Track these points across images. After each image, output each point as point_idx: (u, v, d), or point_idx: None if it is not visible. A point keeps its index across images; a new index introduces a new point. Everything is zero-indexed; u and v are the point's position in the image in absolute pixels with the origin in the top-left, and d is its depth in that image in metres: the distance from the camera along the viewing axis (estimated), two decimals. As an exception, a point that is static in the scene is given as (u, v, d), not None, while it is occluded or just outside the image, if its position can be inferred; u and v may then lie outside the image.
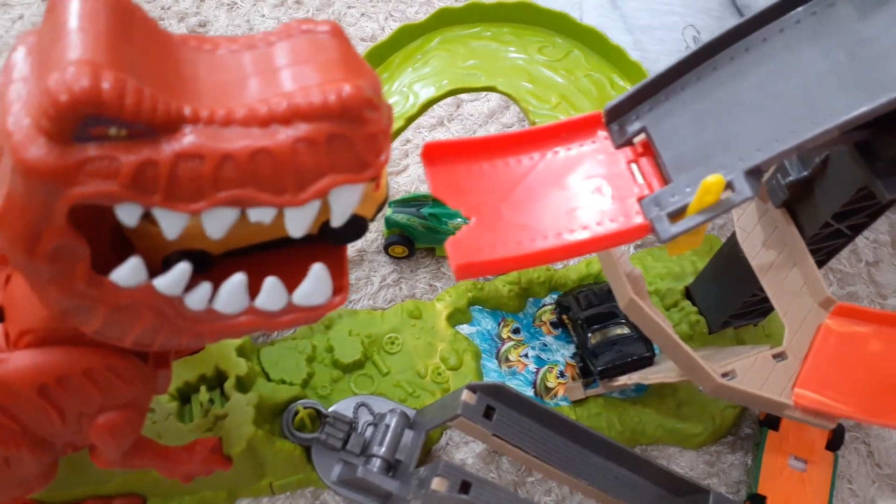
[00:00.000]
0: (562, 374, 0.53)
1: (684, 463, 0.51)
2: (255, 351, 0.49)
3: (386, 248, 0.57)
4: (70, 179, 0.23)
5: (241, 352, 0.46)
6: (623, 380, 0.47)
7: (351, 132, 0.25)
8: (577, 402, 0.51)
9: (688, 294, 0.54)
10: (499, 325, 0.55)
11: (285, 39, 0.26)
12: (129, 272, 0.26)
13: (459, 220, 0.55)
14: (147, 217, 0.25)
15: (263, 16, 0.72)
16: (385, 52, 0.47)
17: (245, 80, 0.25)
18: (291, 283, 0.30)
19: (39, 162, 0.22)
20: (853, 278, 0.61)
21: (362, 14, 0.73)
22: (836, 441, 0.49)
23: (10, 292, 0.32)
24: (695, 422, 0.51)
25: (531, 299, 0.56)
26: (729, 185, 0.28)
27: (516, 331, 0.55)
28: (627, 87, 0.45)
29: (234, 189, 0.24)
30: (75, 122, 0.22)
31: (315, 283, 0.30)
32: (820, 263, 0.45)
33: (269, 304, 0.30)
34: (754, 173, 0.28)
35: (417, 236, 0.56)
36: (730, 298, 0.48)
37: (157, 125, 0.23)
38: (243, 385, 0.45)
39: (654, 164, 0.32)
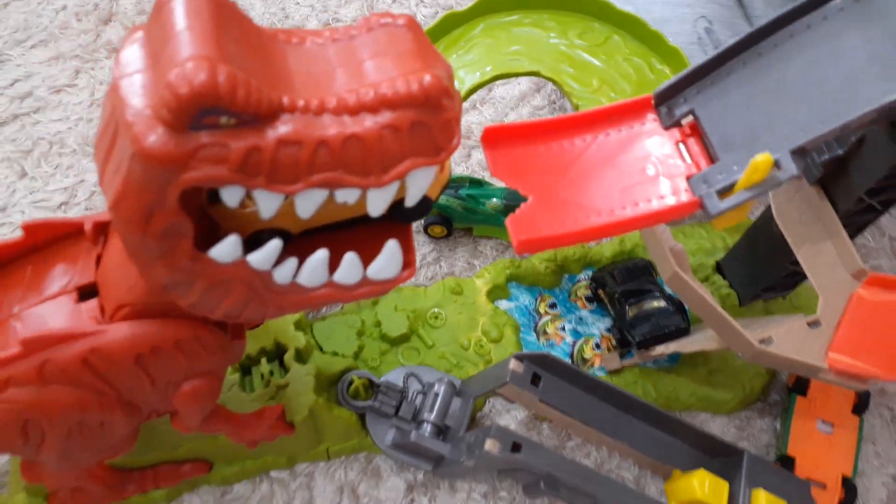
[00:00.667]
0: (597, 346, 0.55)
1: (715, 428, 0.54)
2: (308, 326, 0.52)
3: (426, 228, 0.60)
4: (184, 165, 0.25)
5: (297, 326, 0.49)
6: (660, 349, 0.49)
7: (430, 119, 0.27)
8: (613, 372, 0.54)
9: (718, 269, 0.57)
10: (536, 300, 0.58)
11: (366, 33, 0.29)
12: (228, 248, 0.29)
13: (496, 199, 0.57)
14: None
15: (298, 3, 0.74)
16: (430, 39, 0.49)
17: (333, 72, 0.28)
18: (366, 259, 0.32)
19: (158, 149, 0.25)
20: (877, 252, 0.63)
21: (395, 0, 0.74)
22: (861, 405, 0.52)
23: (104, 270, 0.34)
24: (726, 389, 0.53)
25: (566, 275, 0.59)
26: (776, 164, 0.30)
27: (553, 305, 0.57)
28: (666, 71, 0.47)
29: (326, 172, 0.27)
30: (193, 112, 0.24)
31: (389, 258, 0.32)
32: (850, 237, 0.47)
33: (347, 278, 0.32)
34: (799, 153, 0.30)
35: (456, 216, 0.59)
36: (764, 272, 0.50)
37: (261, 114, 0.25)
38: (301, 357, 0.48)
39: (702, 144, 0.34)
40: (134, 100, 0.25)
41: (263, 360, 0.48)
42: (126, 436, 0.39)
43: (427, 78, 0.27)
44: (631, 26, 0.48)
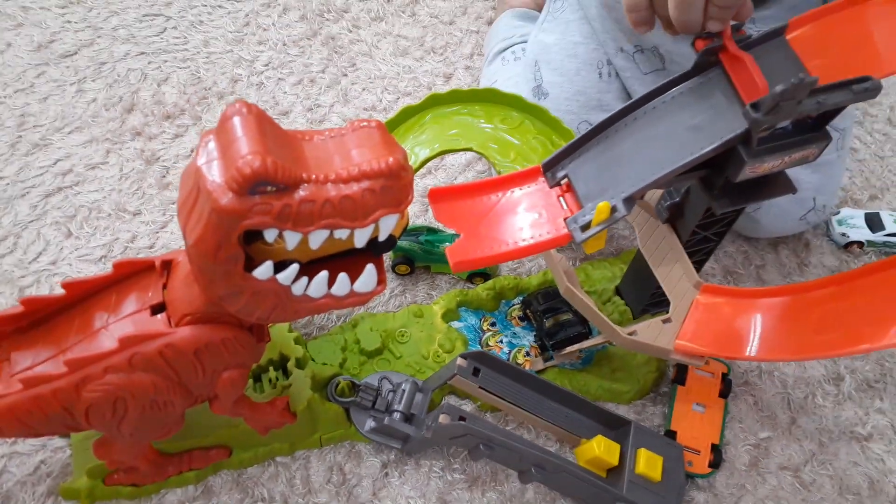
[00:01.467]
0: (527, 354, 0.71)
1: (619, 414, 0.70)
2: (304, 342, 0.67)
3: (393, 267, 0.76)
4: (243, 215, 0.41)
5: (296, 341, 0.64)
6: (571, 349, 0.65)
7: (394, 184, 0.44)
8: (539, 372, 0.70)
9: (617, 291, 0.74)
10: (480, 320, 0.74)
11: (352, 132, 0.45)
12: (265, 270, 0.44)
13: (447, 243, 0.74)
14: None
15: (285, 93, 0.91)
16: (392, 125, 0.67)
17: (332, 157, 0.44)
18: (352, 278, 0.48)
19: (229, 206, 0.40)
20: (745, 278, 0.81)
21: (363, 89, 0.92)
22: (725, 390, 0.68)
23: (170, 292, 0.50)
24: (625, 383, 0.70)
25: (504, 301, 0.75)
26: (613, 208, 0.47)
27: (493, 324, 0.73)
28: (561, 146, 0.65)
29: (329, 219, 0.43)
30: (251, 184, 0.40)
31: (368, 276, 0.48)
32: (700, 262, 0.64)
33: (340, 290, 0.48)
34: (629, 200, 0.48)
35: (417, 258, 0.75)
36: (643, 291, 0.67)
37: (291, 184, 0.41)
38: (300, 364, 0.63)
39: (573, 196, 0.51)
40: (212, 176, 0.41)
41: (271, 368, 0.63)
42: (178, 417, 0.53)
43: (391, 159, 0.43)
44: (538, 113, 0.66)
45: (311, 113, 0.90)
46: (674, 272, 0.59)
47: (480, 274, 0.76)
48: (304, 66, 0.95)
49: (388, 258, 0.76)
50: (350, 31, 1.00)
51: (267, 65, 0.95)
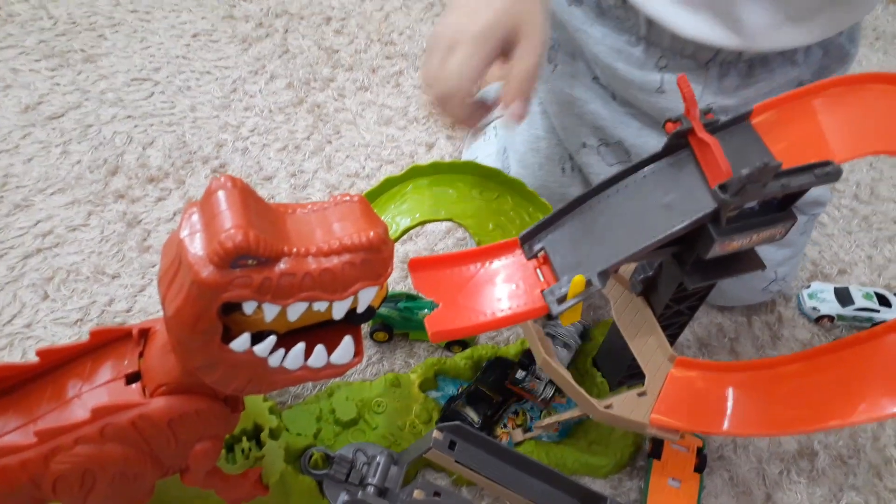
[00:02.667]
0: (504, 426, 0.71)
1: (595, 488, 0.69)
2: (279, 412, 0.66)
3: (371, 334, 0.76)
4: (224, 288, 0.41)
5: (271, 411, 0.64)
6: (549, 421, 0.65)
7: (373, 257, 0.44)
8: (517, 444, 0.69)
9: (594, 363, 0.74)
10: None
11: (334, 206, 0.46)
12: (242, 342, 0.44)
13: (426, 310, 0.74)
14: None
15: (269, 158, 0.93)
16: (375, 195, 0.68)
17: (314, 230, 0.45)
18: (329, 349, 0.48)
19: (209, 279, 0.41)
20: (719, 350, 0.82)
21: (347, 156, 0.94)
22: (701, 465, 0.68)
23: (146, 362, 0.49)
24: (602, 456, 0.69)
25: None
26: (588, 282, 0.48)
27: (470, 394, 0.73)
28: (538, 218, 0.66)
29: (308, 291, 0.43)
30: (233, 258, 0.40)
31: (345, 348, 0.48)
32: (675, 335, 0.65)
33: (316, 362, 0.48)
34: (604, 274, 0.49)
35: (395, 324, 0.75)
36: (619, 364, 0.67)
37: (271, 258, 0.42)
38: (274, 435, 0.62)
39: (550, 269, 0.52)
40: (193, 249, 0.42)
41: (244, 438, 0.62)
42: (148, 489, 0.52)
43: (371, 233, 0.44)
44: (516, 186, 0.67)
45: (295, 178, 0.91)
46: (648, 345, 0.59)
47: (458, 342, 0.76)
48: (290, 132, 0.97)
49: (366, 325, 0.77)
50: (336, 100, 1.02)
51: (252, 130, 0.96)
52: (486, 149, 0.87)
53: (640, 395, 0.57)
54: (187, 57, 1.05)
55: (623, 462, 0.70)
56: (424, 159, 0.96)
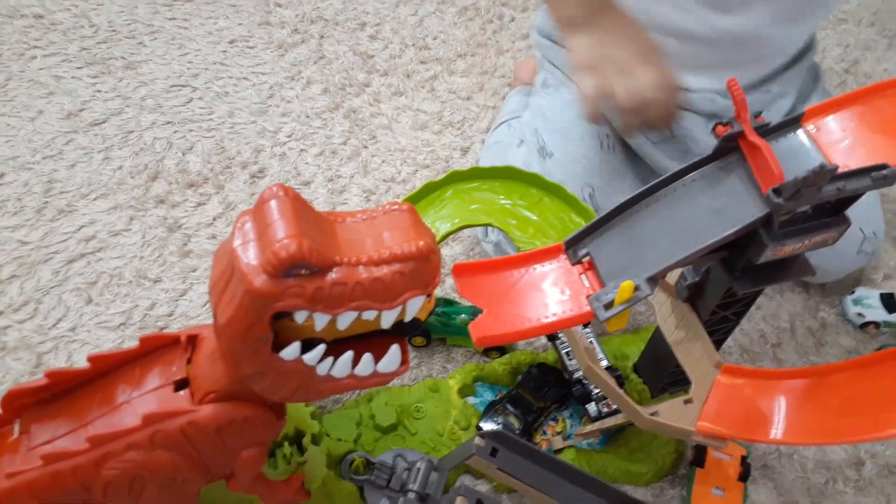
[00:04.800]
0: (544, 433, 0.71)
1: (637, 496, 0.68)
2: (320, 417, 0.66)
3: (409, 338, 0.76)
4: (276, 297, 0.41)
5: (312, 416, 0.64)
6: (591, 428, 0.65)
7: (422, 267, 0.44)
8: (556, 452, 0.69)
9: (635, 369, 0.73)
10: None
11: (383, 215, 0.46)
12: (292, 350, 0.45)
13: (464, 315, 0.74)
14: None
15: (307, 163, 0.93)
16: (414, 199, 0.68)
17: (364, 239, 0.45)
18: (376, 358, 0.48)
19: (262, 288, 0.41)
20: (762, 356, 0.80)
21: (383, 161, 0.94)
22: (745, 474, 0.67)
23: (194, 368, 0.50)
24: (643, 464, 0.69)
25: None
26: (637, 287, 0.48)
27: (510, 400, 0.73)
28: (580, 223, 0.66)
29: (359, 301, 0.43)
30: (286, 267, 0.41)
31: (392, 357, 0.48)
32: (720, 341, 0.64)
33: (364, 371, 0.48)
34: (652, 279, 0.48)
35: (433, 329, 0.75)
36: (661, 371, 0.67)
37: (323, 267, 0.42)
38: (316, 440, 0.63)
39: (595, 274, 0.51)
40: (246, 258, 0.42)
41: (286, 444, 0.62)
42: (194, 495, 0.52)
43: (420, 243, 0.44)
44: (556, 191, 0.67)
45: (332, 183, 0.92)
46: (694, 352, 0.58)
47: (497, 348, 0.76)
48: (326, 137, 0.97)
49: (405, 330, 0.77)
50: (371, 105, 1.03)
51: (290, 136, 0.97)
52: (508, 136, 0.84)
53: (687, 402, 0.56)
54: (224, 63, 1.06)
55: (665, 470, 0.69)
56: (459, 164, 0.96)
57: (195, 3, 1.16)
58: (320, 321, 0.44)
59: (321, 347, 0.46)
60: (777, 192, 0.44)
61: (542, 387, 0.71)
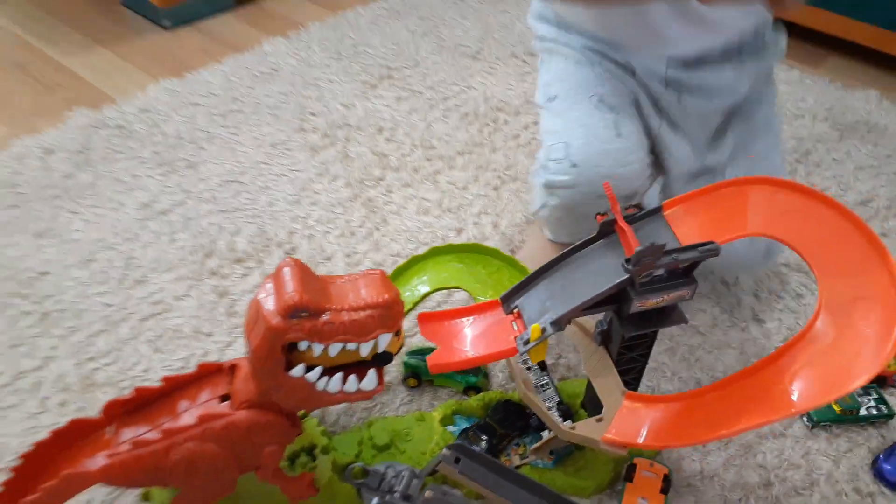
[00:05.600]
0: (508, 455, 0.89)
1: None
2: (329, 435, 0.86)
3: (404, 380, 0.95)
4: (285, 332, 0.62)
5: (323, 433, 0.83)
6: (539, 443, 0.83)
7: (388, 312, 0.65)
8: (516, 468, 0.86)
9: (583, 405, 0.91)
10: (472, 425, 0.92)
11: (361, 277, 0.67)
12: (298, 370, 0.65)
13: (446, 362, 0.93)
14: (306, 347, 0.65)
15: (330, 242, 1.16)
16: (403, 269, 0.89)
17: (348, 293, 0.66)
18: (360, 380, 0.68)
19: (276, 325, 0.62)
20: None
21: (391, 240, 1.16)
22: (665, 488, 0.83)
23: (233, 385, 0.70)
24: (587, 480, 0.85)
25: (490, 409, 0.93)
26: (543, 330, 0.67)
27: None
28: (526, 287, 0.85)
29: (343, 335, 0.64)
30: (291, 311, 0.62)
31: (370, 379, 0.68)
32: (637, 378, 0.82)
33: (350, 388, 0.68)
34: (555, 323, 0.67)
35: (423, 373, 0.95)
36: (597, 403, 0.84)
37: (318, 312, 0.63)
38: (325, 451, 0.82)
39: (521, 321, 0.71)
40: (267, 306, 0.63)
41: (303, 454, 0.82)
42: (232, 481, 0.72)
43: (386, 296, 0.65)
44: (511, 262, 0.87)
45: (349, 259, 1.14)
46: (607, 384, 0.77)
47: (473, 387, 0.95)
48: (346, 222, 1.20)
49: (399, 373, 0.96)
50: (384, 195, 1.26)
51: (317, 221, 1.20)
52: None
53: (598, 420, 0.74)
54: (267, 162, 1.31)
55: (604, 485, 0.86)
56: (454, 241, 1.17)
57: (244, 113, 1.43)
58: (317, 349, 0.65)
59: (319, 369, 0.66)
60: (628, 261, 0.63)
61: (507, 418, 0.89)
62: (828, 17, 1.67)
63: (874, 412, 0.91)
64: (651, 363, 0.97)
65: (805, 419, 0.93)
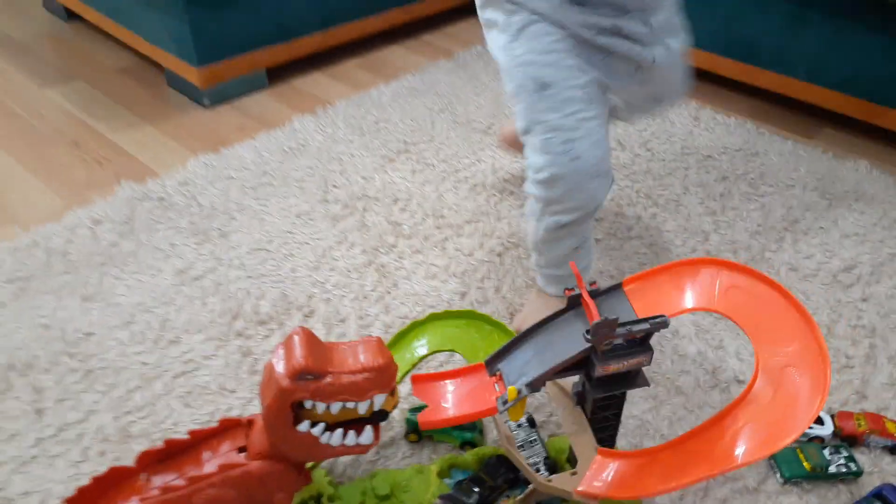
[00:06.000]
0: (499, 504, 0.97)
1: (565, 553, 0.92)
2: (335, 485, 0.95)
3: (406, 435, 1.05)
4: (293, 392, 0.73)
5: (330, 483, 0.93)
6: (522, 495, 0.91)
7: (382, 375, 0.75)
8: (505, 518, 0.95)
9: (568, 460, 0.99)
10: (466, 477, 1.00)
11: (360, 343, 0.78)
12: (305, 426, 0.75)
13: (445, 419, 1.03)
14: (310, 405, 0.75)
15: (345, 305, 1.27)
16: (403, 333, 0.99)
17: (347, 358, 0.76)
18: (358, 434, 0.78)
19: (286, 386, 0.73)
20: (678, 454, 1.04)
21: (401, 303, 1.27)
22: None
23: (250, 438, 0.81)
24: (570, 529, 0.93)
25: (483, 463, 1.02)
26: (519, 391, 0.76)
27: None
28: (513, 351, 0.95)
29: (342, 395, 0.74)
30: (298, 374, 0.72)
31: (367, 434, 0.78)
32: (612, 435, 0.90)
33: (350, 441, 0.78)
34: (529, 385, 0.77)
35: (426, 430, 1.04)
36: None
37: (321, 375, 0.74)
38: (331, 500, 0.91)
39: (503, 383, 0.81)
40: (278, 369, 0.74)
41: (311, 502, 0.91)
42: (246, 524, 0.82)
43: (381, 360, 0.75)
44: (501, 327, 0.97)
45: (362, 320, 1.25)
46: (583, 440, 0.85)
47: (469, 443, 1.04)
48: (360, 286, 1.32)
49: (401, 429, 1.06)
50: (396, 261, 1.37)
51: (334, 286, 1.32)
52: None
53: (573, 474, 0.83)
54: (292, 231, 1.44)
55: (586, 534, 0.93)
56: (458, 305, 1.27)
57: (273, 185, 1.58)
58: (321, 408, 0.75)
59: (322, 425, 0.76)
60: (587, 332, 0.73)
61: (498, 471, 0.98)
62: (823, 93, 1.76)
63: (843, 469, 0.97)
64: (635, 421, 1.06)
65: (777, 475, 0.99)
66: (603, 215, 1.50)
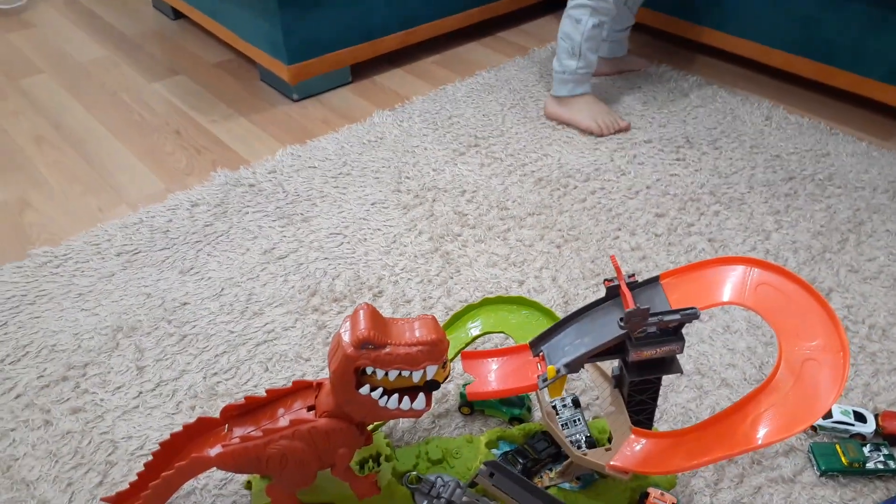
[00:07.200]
0: (541, 476, 1.05)
1: (601, 525, 0.99)
2: (393, 448, 1.05)
3: (459, 408, 1.14)
4: (356, 359, 0.83)
5: (388, 445, 1.03)
6: (560, 468, 0.98)
7: (434, 348, 0.84)
8: (546, 488, 1.02)
9: (608, 440, 1.06)
10: (512, 449, 1.08)
11: (417, 320, 0.87)
12: (365, 389, 0.86)
13: (496, 395, 1.11)
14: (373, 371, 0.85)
15: (411, 288, 1.37)
16: (459, 315, 1.08)
17: (405, 332, 0.86)
18: (412, 400, 0.88)
19: (350, 354, 0.83)
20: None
21: (462, 288, 1.36)
22: (641, 501, 0.97)
23: (318, 398, 0.92)
24: (604, 503, 1.00)
25: (529, 438, 1.10)
26: (558, 370, 0.84)
27: (521, 453, 1.08)
28: (559, 335, 1.02)
29: (400, 364, 0.84)
30: (361, 343, 0.82)
31: (420, 400, 0.87)
32: (649, 419, 0.97)
33: (404, 406, 0.87)
34: (567, 365, 0.84)
35: (476, 403, 1.13)
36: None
37: (380, 345, 0.83)
38: (388, 460, 1.02)
39: (544, 363, 0.88)
40: (345, 338, 0.84)
41: (370, 460, 1.02)
42: (312, 475, 0.93)
43: (434, 336, 0.84)
44: (548, 312, 1.05)
45: (425, 302, 1.35)
46: (619, 421, 0.92)
47: (517, 418, 1.12)
48: (426, 271, 1.41)
49: (456, 402, 1.15)
50: (460, 249, 1.46)
51: (402, 269, 1.42)
52: None
53: (607, 450, 0.90)
54: (366, 218, 1.56)
55: (622, 509, 1.00)
56: (515, 292, 1.35)
57: (352, 175, 1.69)
58: (380, 374, 0.85)
59: (380, 390, 0.86)
60: (621, 320, 0.80)
61: (542, 446, 1.06)
62: (901, 92, 1.73)
63: (881, 466, 1.00)
64: (678, 409, 1.12)
65: (815, 467, 1.03)
66: (665, 211, 1.54)
